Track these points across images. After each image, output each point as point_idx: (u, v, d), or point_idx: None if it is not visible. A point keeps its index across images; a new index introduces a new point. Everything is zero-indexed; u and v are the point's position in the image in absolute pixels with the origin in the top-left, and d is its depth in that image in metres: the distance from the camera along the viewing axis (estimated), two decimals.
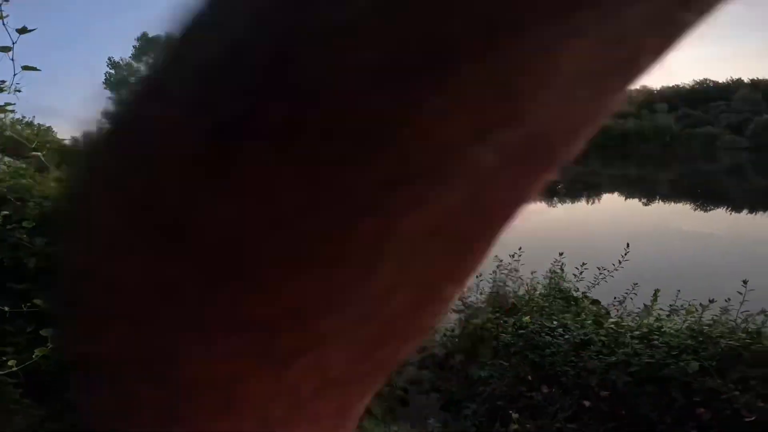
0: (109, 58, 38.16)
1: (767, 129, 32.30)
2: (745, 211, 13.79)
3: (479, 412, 3.22)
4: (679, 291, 3.40)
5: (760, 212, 13.43)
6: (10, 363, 2.40)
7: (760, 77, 47.67)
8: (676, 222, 12.77)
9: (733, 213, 13.69)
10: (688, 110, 44.25)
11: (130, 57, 38.31)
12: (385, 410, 3.51)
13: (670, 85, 53.11)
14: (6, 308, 2.59)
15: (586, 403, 3.06)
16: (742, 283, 2.95)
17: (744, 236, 10.19)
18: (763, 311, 2.85)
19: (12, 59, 2.09)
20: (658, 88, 54.02)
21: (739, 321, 2.97)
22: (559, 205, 18.19)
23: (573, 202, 18.67)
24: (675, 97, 48.22)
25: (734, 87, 47.70)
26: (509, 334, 3.46)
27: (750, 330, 2.83)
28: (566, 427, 3.00)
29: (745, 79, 48.71)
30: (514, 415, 2.96)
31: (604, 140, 44.47)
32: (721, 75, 50.99)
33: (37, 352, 2.42)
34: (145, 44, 38.40)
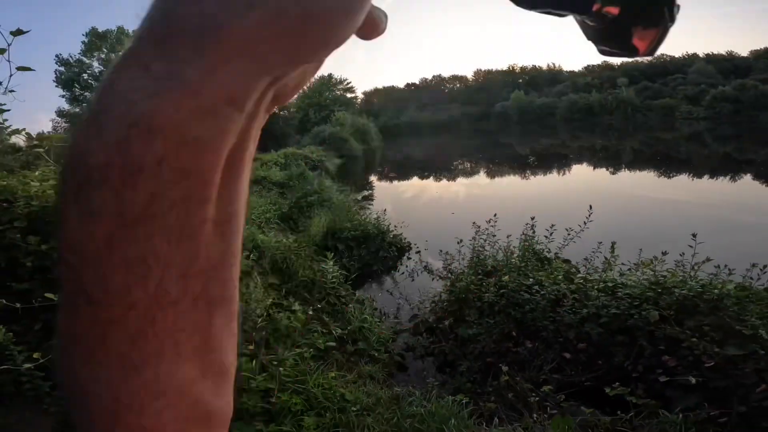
0: (58, 56, 36.10)
1: (723, 100, 33.79)
2: (706, 177, 14.64)
3: (473, 369, 3.57)
4: (641, 250, 3.81)
5: (720, 177, 14.30)
6: (35, 356, 2.47)
7: (715, 52, 50.31)
8: (640, 189, 13.56)
9: (694, 179, 14.49)
10: (648, 83, 45.71)
11: (79, 53, 36.41)
12: (385, 375, 3.84)
13: (630, 60, 54.77)
14: (18, 305, 2.68)
15: (567, 356, 3.44)
16: (691, 236, 3.34)
17: (703, 200, 10.97)
18: (708, 259, 3.23)
19: (9, 60, 2.18)
20: (619, 64, 55.79)
21: (691, 273, 3.38)
22: (531, 177, 18.85)
23: (545, 174, 19.33)
24: (635, 71, 49.91)
25: (690, 61, 50.07)
26: (492, 294, 3.78)
27: (700, 280, 3.25)
28: (552, 377, 3.37)
29: (701, 54, 51.30)
30: (504, 368, 3.31)
31: (571, 113, 45.75)
32: (677, 50, 52.77)
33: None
34: (95, 39, 36.54)
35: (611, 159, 22.08)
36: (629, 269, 3.79)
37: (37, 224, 3.26)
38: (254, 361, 3.07)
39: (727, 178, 14.10)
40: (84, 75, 36.08)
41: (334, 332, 4.05)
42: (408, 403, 3.01)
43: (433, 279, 5.06)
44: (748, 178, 13.79)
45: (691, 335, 2.96)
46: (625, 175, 17.07)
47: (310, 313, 4.02)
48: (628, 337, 3.23)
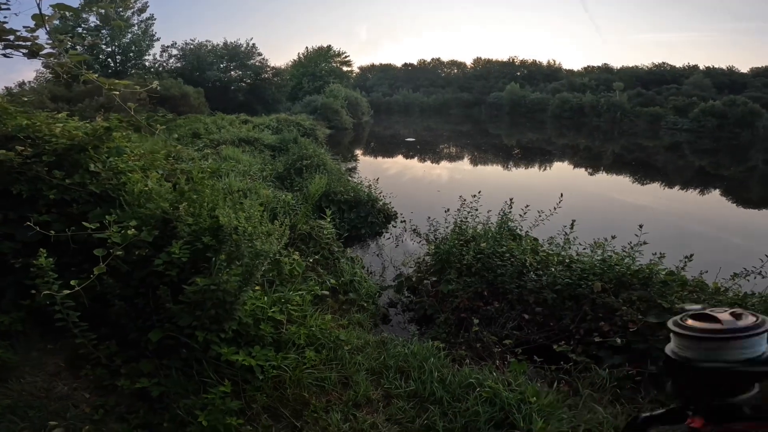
0: (53, 6, 34.38)
1: (710, 114, 34.12)
2: (676, 187, 15.57)
3: (449, 321, 4.17)
4: (597, 238, 4.45)
5: (690, 189, 15.25)
6: (73, 282, 2.62)
7: (716, 66, 51.24)
8: (610, 190, 14.45)
9: (665, 188, 15.40)
10: (642, 90, 46.64)
11: (78, 7, 34.89)
12: (372, 324, 4.40)
13: (630, 65, 55.90)
14: (52, 232, 2.78)
15: (526, 316, 4.09)
16: (638, 227, 4.00)
17: (665, 207, 11.85)
18: (644, 242, 3.89)
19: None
20: (618, 68, 56.72)
21: (632, 254, 4.04)
22: (514, 169, 19.58)
23: (526, 167, 20.05)
24: (632, 77, 50.81)
25: (689, 72, 50.95)
26: (471, 257, 4.38)
27: (639, 263, 3.92)
28: (512, 333, 4.00)
29: (701, 66, 52.24)
30: (476, 322, 3.92)
31: (561, 111, 46.52)
32: (679, 60, 53.67)
33: (95, 271, 2.67)
34: None
35: (591, 159, 22.91)
36: (585, 249, 4.43)
37: (62, 161, 3.41)
38: (266, 297, 3.51)
39: (696, 191, 15.06)
40: (79, 29, 34.69)
41: (328, 282, 4.59)
42: (393, 345, 3.57)
43: (420, 243, 5.64)
44: (716, 193, 14.73)
45: (622, 304, 3.62)
46: (601, 177, 17.90)
47: (311, 261, 4.53)
48: (576, 304, 3.87)
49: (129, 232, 2.86)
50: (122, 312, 3.01)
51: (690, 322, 0.37)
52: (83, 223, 2.96)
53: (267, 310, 3.32)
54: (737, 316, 0.37)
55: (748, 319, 0.37)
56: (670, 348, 0.40)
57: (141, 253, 2.97)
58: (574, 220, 4.55)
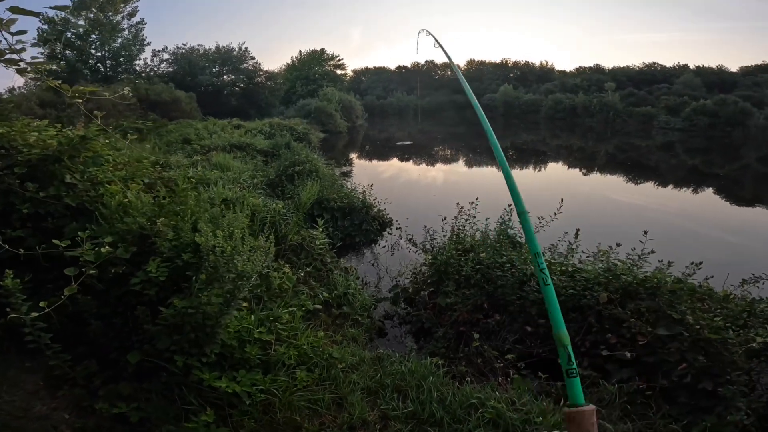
0: (42, 14, 33.98)
1: (701, 113, 34.28)
2: (670, 186, 15.55)
3: (448, 335, 3.99)
4: (599, 243, 4.29)
5: (683, 188, 15.23)
6: (42, 304, 2.42)
7: (705, 65, 51.50)
8: (606, 190, 14.38)
9: (659, 188, 15.36)
10: (634, 90, 46.80)
11: (66, 13, 34.48)
12: (367, 339, 4.21)
13: (621, 65, 56.17)
14: (21, 251, 2.53)
15: (529, 329, 3.91)
16: (643, 233, 3.84)
17: (660, 207, 11.80)
18: (652, 251, 3.74)
19: None
20: (610, 68, 56.95)
21: (639, 262, 3.88)
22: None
23: (522, 168, 19.97)
24: (623, 77, 51.01)
25: (679, 72, 51.21)
26: (469, 267, 4.21)
27: (645, 272, 3.76)
28: (514, 347, 3.82)
29: (692, 66, 52.50)
30: (476, 336, 3.74)
31: (554, 112, 46.66)
32: (669, 60, 53.94)
33: (66, 292, 2.47)
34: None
35: (585, 160, 22.91)
36: (588, 257, 4.27)
37: (36, 172, 3.19)
38: (252, 316, 3.31)
39: (690, 189, 15.03)
40: (68, 33, 34.32)
41: (321, 296, 4.40)
42: (390, 362, 3.38)
43: (416, 252, 5.46)
44: (709, 191, 14.71)
45: (630, 316, 3.46)
46: (595, 177, 17.86)
47: (302, 274, 4.34)
48: (580, 315, 3.71)
49: (103, 249, 2.66)
50: (99, 331, 2.82)
51: None
52: (53, 240, 2.76)
53: (254, 330, 3.12)
54: None
55: None
56: None
57: (117, 271, 2.77)
58: (578, 230, 4.39)
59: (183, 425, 2.52)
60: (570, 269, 4.03)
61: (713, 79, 47.28)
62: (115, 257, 2.72)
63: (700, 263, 3.72)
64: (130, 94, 3.24)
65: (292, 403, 2.84)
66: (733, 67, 51.49)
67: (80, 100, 2.67)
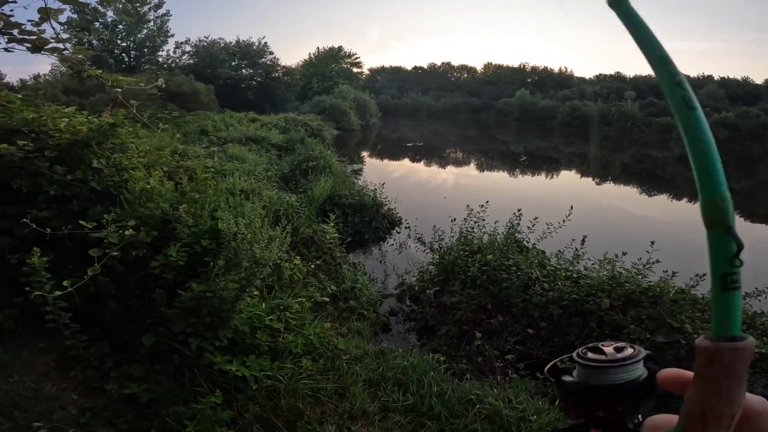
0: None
1: (722, 125, 33.45)
2: (684, 199, 15.37)
3: (450, 333, 4.08)
4: (606, 252, 4.34)
5: (697, 202, 15.00)
6: (65, 283, 2.56)
7: (730, 76, 50.64)
8: (619, 201, 14.29)
9: (673, 200, 15.20)
10: (654, 99, 46.12)
11: (96, 2, 35.03)
12: (372, 333, 4.32)
13: (643, 74, 55.39)
14: (47, 230, 2.71)
15: (530, 331, 3.99)
16: (650, 243, 3.90)
17: (674, 220, 11.69)
18: (656, 260, 3.79)
19: None
20: (631, 77, 56.18)
21: (643, 271, 3.93)
22: (520, 176, 19.43)
23: (533, 175, 19.90)
24: (644, 86, 50.29)
25: (703, 83, 50.24)
26: (476, 269, 4.29)
27: (649, 281, 3.81)
28: (515, 348, 3.90)
29: (716, 77, 51.56)
30: (478, 335, 3.83)
31: (571, 119, 46.19)
32: (694, 70, 52.85)
33: (89, 272, 2.61)
34: None
35: (600, 169, 22.70)
36: (593, 264, 4.33)
37: (65, 156, 3.33)
38: (263, 304, 3.43)
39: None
40: (96, 23, 34.90)
41: (329, 289, 4.51)
42: (392, 356, 3.48)
43: (423, 252, 5.55)
44: None
45: (630, 322, 3.51)
46: (609, 187, 17.72)
47: (312, 267, 4.46)
48: (582, 320, 3.77)
49: (127, 232, 2.80)
50: (116, 313, 2.95)
51: (589, 354, 0.48)
52: (80, 221, 2.89)
53: (264, 318, 3.24)
54: (619, 349, 0.49)
55: (627, 351, 0.48)
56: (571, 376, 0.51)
57: (138, 254, 2.91)
58: (585, 236, 4.44)
59: (191, 406, 2.60)
60: (575, 275, 4.09)
61: (737, 91, 46.50)
62: (137, 240, 2.86)
63: (704, 275, 3.76)
64: (163, 85, 3.37)
65: (297, 391, 2.94)
66: (759, 79, 50.46)
67: (119, 89, 2.78)
